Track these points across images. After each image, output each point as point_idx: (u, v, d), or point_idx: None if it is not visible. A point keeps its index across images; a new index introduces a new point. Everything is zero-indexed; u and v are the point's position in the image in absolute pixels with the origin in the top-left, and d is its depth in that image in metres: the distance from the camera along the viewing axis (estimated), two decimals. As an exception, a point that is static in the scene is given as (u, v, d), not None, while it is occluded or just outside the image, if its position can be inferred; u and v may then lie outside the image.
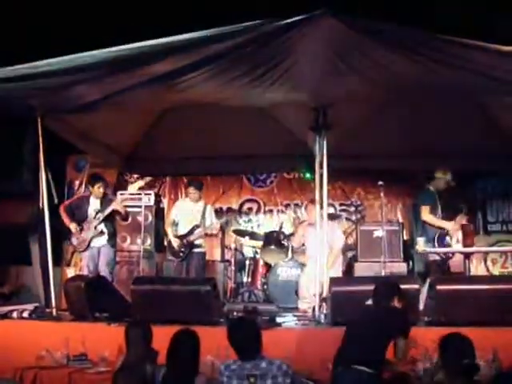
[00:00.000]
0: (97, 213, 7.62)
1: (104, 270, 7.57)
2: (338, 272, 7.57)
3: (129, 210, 8.16)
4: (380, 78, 5.82)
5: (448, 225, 7.10)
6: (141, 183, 8.25)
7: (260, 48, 5.26)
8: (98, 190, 7.70)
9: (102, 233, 7.60)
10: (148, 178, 10.11)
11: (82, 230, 7.62)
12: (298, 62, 5.53)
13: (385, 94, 6.28)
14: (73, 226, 7.63)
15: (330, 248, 7.21)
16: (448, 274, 7.07)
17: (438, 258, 7.09)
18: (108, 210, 7.56)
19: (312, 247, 7.43)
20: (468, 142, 7.83)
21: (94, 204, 7.73)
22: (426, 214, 7.24)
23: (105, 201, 7.72)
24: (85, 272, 7.69)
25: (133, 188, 8.15)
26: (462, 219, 7.15)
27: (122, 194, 8.23)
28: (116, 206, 7.58)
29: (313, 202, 7.11)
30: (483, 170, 8.63)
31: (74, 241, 7.72)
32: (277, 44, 5.19)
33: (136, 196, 8.71)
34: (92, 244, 7.62)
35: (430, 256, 7.20)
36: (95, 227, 7.57)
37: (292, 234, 8.87)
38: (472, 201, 8.01)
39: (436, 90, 5.95)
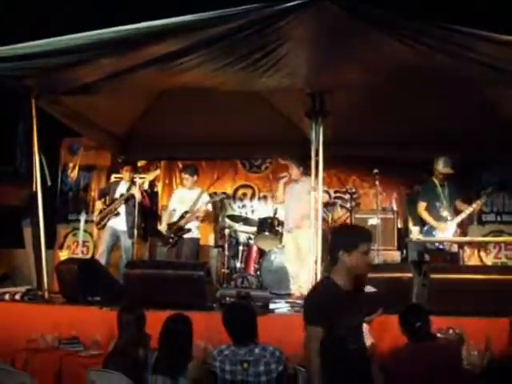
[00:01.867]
0: (120, 196, 7.93)
1: (123, 257, 7.85)
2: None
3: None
4: (377, 64, 5.77)
5: (436, 224, 7.15)
6: (157, 172, 8.61)
7: (256, 32, 5.20)
8: (126, 173, 8.07)
9: (117, 214, 7.88)
10: (142, 162, 10.13)
11: (105, 208, 8.04)
12: (294, 47, 5.48)
13: (382, 80, 6.22)
14: (98, 204, 8.30)
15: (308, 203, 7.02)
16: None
17: (439, 246, 7.13)
18: (126, 195, 7.87)
19: (290, 206, 7.48)
20: (466, 131, 7.79)
21: (122, 188, 8.05)
22: (421, 210, 7.32)
23: (131, 186, 7.94)
24: (101, 248, 7.92)
25: (148, 177, 8.38)
26: (462, 207, 7.18)
27: (142, 178, 8.25)
28: (133, 190, 7.78)
29: (291, 159, 7.53)
30: (481, 159, 8.60)
31: (96, 218, 8.14)
32: (273, 29, 5.14)
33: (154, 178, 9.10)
34: (110, 223, 7.92)
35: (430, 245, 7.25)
36: (115, 208, 7.89)
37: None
38: (467, 191, 7.97)
39: (435, 77, 5.90)
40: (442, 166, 7.20)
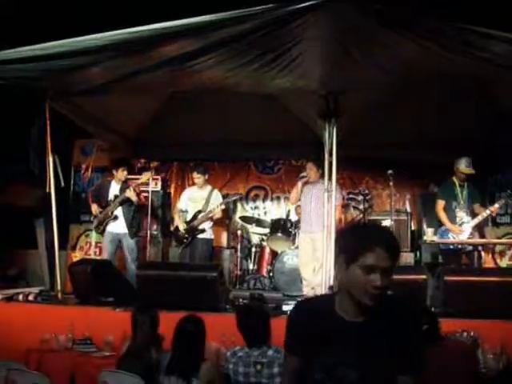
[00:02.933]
0: (114, 198, 7.74)
1: (128, 258, 7.68)
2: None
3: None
4: (391, 64, 5.74)
5: (451, 226, 7.07)
6: (149, 175, 8.20)
7: (270, 33, 5.19)
8: (122, 173, 7.83)
9: (116, 218, 7.68)
10: (155, 163, 10.13)
11: (101, 212, 7.80)
12: (308, 48, 5.46)
13: (396, 81, 6.19)
14: (94, 208, 7.89)
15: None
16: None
17: (454, 248, 7.09)
18: (121, 198, 7.68)
19: (308, 208, 7.42)
20: (481, 132, 7.73)
21: (115, 189, 7.85)
22: (439, 209, 7.24)
23: (124, 187, 7.79)
24: (104, 255, 7.80)
25: (142, 179, 8.07)
26: (479, 210, 7.11)
27: (136, 179, 8.19)
28: (128, 193, 7.62)
29: (312, 160, 7.41)
30: (496, 161, 8.51)
31: (94, 222, 7.90)
32: (287, 29, 5.13)
33: (149, 180, 8.73)
34: (109, 229, 7.73)
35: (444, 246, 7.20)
36: (111, 212, 7.69)
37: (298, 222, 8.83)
38: (483, 193, 7.88)
39: (450, 78, 5.86)
40: (464, 166, 7.10)
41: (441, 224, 7.22)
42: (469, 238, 7.04)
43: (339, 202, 7.49)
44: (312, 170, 7.46)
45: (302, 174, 7.57)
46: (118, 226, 7.72)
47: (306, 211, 7.49)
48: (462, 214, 7.10)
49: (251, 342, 4.17)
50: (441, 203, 7.24)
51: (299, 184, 7.56)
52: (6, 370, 4.33)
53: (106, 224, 7.75)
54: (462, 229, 7.02)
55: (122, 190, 7.73)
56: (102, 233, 7.91)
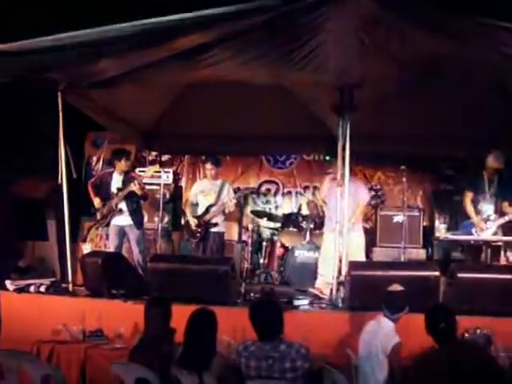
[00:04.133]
0: (118, 191, 7.61)
1: (135, 250, 7.59)
2: (359, 228, 7.45)
3: (147, 187, 8.11)
4: (408, 58, 5.69)
5: (477, 221, 6.93)
6: (155, 168, 8.16)
7: (287, 26, 5.15)
8: (126, 163, 7.70)
9: (120, 211, 7.57)
10: (166, 156, 10.14)
11: (104, 205, 7.66)
12: (325, 40, 5.41)
13: (412, 75, 6.14)
14: (96, 202, 7.74)
15: (356, 204, 7.22)
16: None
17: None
18: (125, 191, 7.54)
19: (332, 204, 7.22)
20: (495, 130, 7.67)
21: (117, 181, 7.71)
22: (467, 201, 7.09)
23: (126, 179, 7.66)
24: (111, 249, 7.71)
25: (147, 173, 7.97)
26: (508, 209, 6.99)
27: (141, 171, 8.13)
28: (133, 187, 7.47)
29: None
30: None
31: (98, 215, 7.77)
32: (305, 21, 5.07)
33: (155, 173, 8.65)
34: (114, 222, 7.62)
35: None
36: (116, 205, 7.56)
37: (309, 217, 8.81)
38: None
39: (467, 73, 5.80)
40: (491, 161, 6.96)
41: (466, 216, 7.08)
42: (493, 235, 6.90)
43: (367, 201, 7.56)
44: (340, 167, 7.30)
45: (329, 170, 7.45)
46: (123, 219, 7.62)
47: (332, 209, 7.21)
48: (487, 209, 6.97)
49: (264, 335, 4.16)
50: (469, 195, 7.07)
51: (327, 179, 7.45)
52: (18, 360, 4.35)
53: (111, 217, 7.64)
54: (487, 225, 6.90)
55: (126, 183, 7.60)
56: (106, 226, 7.80)
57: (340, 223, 6.55)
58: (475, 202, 7.03)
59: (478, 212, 6.99)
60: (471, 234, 6.91)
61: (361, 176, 9.59)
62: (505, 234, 7.01)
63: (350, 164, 6.59)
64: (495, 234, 6.93)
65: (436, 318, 4.17)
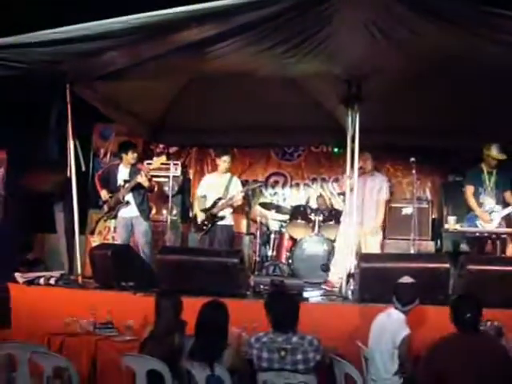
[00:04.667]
0: (124, 183, 7.57)
1: (141, 241, 7.55)
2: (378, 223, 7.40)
3: (155, 179, 8.10)
4: (420, 50, 5.65)
5: (481, 213, 6.92)
6: (162, 159, 8.09)
7: (296, 17, 5.11)
8: (132, 155, 7.65)
9: (127, 203, 7.54)
10: (174, 149, 10.12)
11: (111, 197, 7.65)
12: (334, 32, 5.38)
13: (422, 67, 6.11)
14: (103, 194, 7.75)
15: (376, 201, 7.25)
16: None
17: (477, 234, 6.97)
18: (132, 183, 7.49)
19: (358, 199, 7.02)
20: (503, 121, 7.64)
21: (123, 173, 7.68)
22: (469, 194, 7.09)
23: (133, 171, 7.62)
24: (118, 241, 7.70)
25: (155, 164, 7.96)
26: (510, 199, 7.00)
27: (149, 164, 8.12)
28: (140, 179, 7.42)
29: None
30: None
31: (105, 208, 7.76)
32: (314, 13, 5.05)
33: (163, 166, 8.65)
34: (122, 214, 7.60)
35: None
36: (123, 197, 7.53)
37: (318, 209, 8.79)
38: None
39: (477, 64, 5.76)
40: (496, 152, 6.94)
41: (469, 210, 7.06)
42: (496, 228, 6.90)
43: (387, 197, 7.54)
44: (368, 160, 7.30)
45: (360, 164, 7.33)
46: (129, 210, 7.58)
47: (358, 204, 7.00)
48: (489, 201, 6.96)
49: (279, 327, 4.17)
50: (470, 188, 7.08)
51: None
52: (30, 352, 4.36)
53: (118, 210, 7.61)
54: (491, 217, 6.90)
55: (132, 175, 7.56)
56: (114, 218, 7.80)
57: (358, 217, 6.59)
58: (476, 195, 7.03)
59: (479, 205, 6.99)
60: (476, 226, 6.90)
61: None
62: (508, 226, 7.02)
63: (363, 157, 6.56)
64: (499, 225, 6.92)
65: (462, 308, 4.15)
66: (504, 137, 7.33)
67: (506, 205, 6.94)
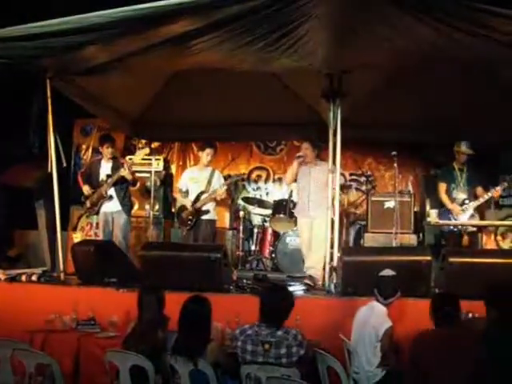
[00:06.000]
0: (107, 177, 7.56)
1: (118, 236, 7.53)
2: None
3: (138, 175, 8.07)
4: (399, 45, 5.66)
5: (452, 206, 7.11)
6: (146, 151, 8.06)
7: (277, 11, 5.07)
8: (107, 149, 7.68)
9: (110, 198, 7.53)
10: (156, 144, 10.08)
11: (94, 193, 7.63)
12: (315, 26, 5.35)
13: (402, 62, 6.13)
14: (85, 189, 7.73)
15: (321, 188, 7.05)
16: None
17: (455, 229, 7.14)
18: (115, 177, 7.48)
19: (306, 190, 7.22)
20: (482, 115, 7.72)
21: (105, 168, 7.68)
22: (441, 191, 7.30)
23: (115, 165, 7.62)
24: (101, 237, 7.68)
25: (138, 156, 7.93)
26: (481, 193, 7.17)
27: (130, 159, 8.08)
28: (123, 172, 7.41)
29: (308, 140, 7.29)
30: (499, 144, 8.47)
31: (87, 203, 7.73)
32: (294, 7, 5.01)
33: (145, 161, 8.62)
34: (104, 209, 7.59)
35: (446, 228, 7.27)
36: (105, 192, 7.51)
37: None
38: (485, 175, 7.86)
39: (456, 59, 5.80)
40: (465, 147, 7.19)
41: (442, 206, 7.25)
42: (469, 219, 7.07)
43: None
44: (308, 149, 7.24)
45: (299, 154, 7.31)
46: (112, 205, 7.57)
47: (304, 195, 7.27)
48: (461, 196, 7.18)
49: (266, 319, 4.18)
50: (442, 185, 7.31)
51: (295, 164, 7.31)
52: (12, 349, 4.33)
53: (101, 205, 7.60)
54: (462, 208, 7.05)
55: (115, 169, 7.56)
56: (96, 214, 7.77)
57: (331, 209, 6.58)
58: (449, 192, 7.24)
59: (452, 200, 7.19)
60: (450, 220, 7.10)
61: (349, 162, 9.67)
62: (481, 219, 7.30)
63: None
64: (472, 217, 7.09)
65: (441, 302, 4.24)
66: (478, 133, 7.48)
67: (477, 198, 7.17)
